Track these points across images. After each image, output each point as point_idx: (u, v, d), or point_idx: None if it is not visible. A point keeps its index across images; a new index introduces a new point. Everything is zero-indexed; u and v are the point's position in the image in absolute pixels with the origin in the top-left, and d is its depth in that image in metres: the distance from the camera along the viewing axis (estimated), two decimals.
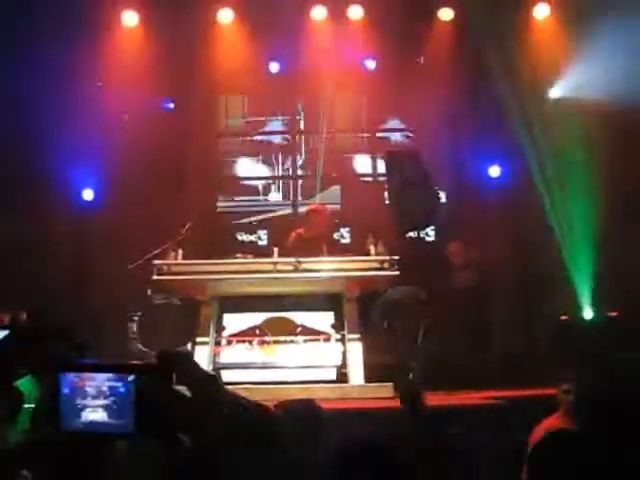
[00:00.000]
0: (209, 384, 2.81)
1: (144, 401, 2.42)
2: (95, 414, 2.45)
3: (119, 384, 2.41)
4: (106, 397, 2.45)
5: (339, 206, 10.04)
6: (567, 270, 8.71)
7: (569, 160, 8.83)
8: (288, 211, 9.95)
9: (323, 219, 7.90)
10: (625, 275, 8.32)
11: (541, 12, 9.57)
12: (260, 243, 9.82)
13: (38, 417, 3.04)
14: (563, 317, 8.38)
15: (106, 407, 2.43)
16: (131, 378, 2.38)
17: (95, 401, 2.47)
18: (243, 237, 9.82)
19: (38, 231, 9.13)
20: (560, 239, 8.85)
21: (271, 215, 9.40)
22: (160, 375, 2.58)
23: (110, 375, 2.42)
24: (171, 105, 10.16)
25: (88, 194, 9.68)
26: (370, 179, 10.35)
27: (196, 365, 3.09)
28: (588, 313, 8.52)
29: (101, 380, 2.44)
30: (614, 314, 8.17)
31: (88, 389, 2.45)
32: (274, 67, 10.12)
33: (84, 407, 2.46)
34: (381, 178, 9.90)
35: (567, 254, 8.76)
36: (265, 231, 9.89)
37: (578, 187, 8.71)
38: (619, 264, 8.38)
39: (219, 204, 10.14)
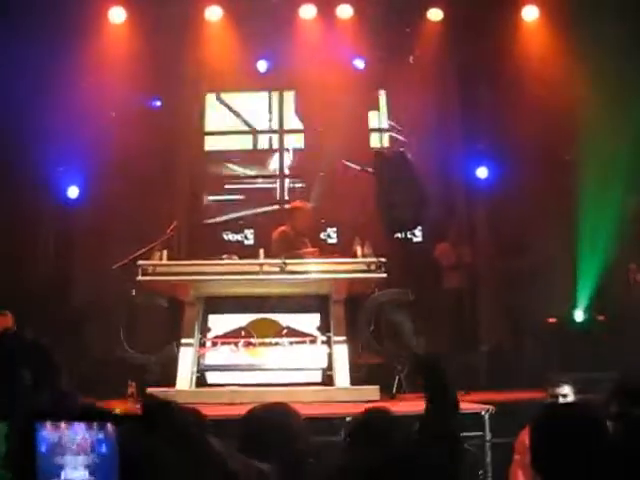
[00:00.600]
0: (197, 442, 2.68)
1: (128, 457, 2.29)
2: (76, 472, 2.25)
3: (101, 436, 2.21)
4: (87, 453, 2.26)
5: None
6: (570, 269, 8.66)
7: None
8: (275, 207, 9.88)
9: (306, 216, 7.90)
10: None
11: (530, 14, 9.54)
12: (247, 242, 9.76)
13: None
14: (551, 320, 8.36)
15: (88, 465, 2.25)
16: (114, 429, 2.20)
17: (75, 458, 2.27)
18: (229, 236, 9.76)
19: (22, 229, 9.06)
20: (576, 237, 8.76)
21: (259, 211, 9.29)
22: (145, 425, 2.47)
23: (91, 426, 2.24)
24: (158, 103, 10.10)
25: (73, 192, 9.60)
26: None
27: (185, 418, 2.94)
28: (579, 315, 8.50)
29: (81, 432, 2.23)
30: (601, 318, 8.19)
31: (67, 444, 2.25)
32: (262, 66, 10.06)
33: (63, 465, 2.27)
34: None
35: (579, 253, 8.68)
36: (252, 230, 9.84)
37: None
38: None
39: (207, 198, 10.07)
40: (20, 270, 8.80)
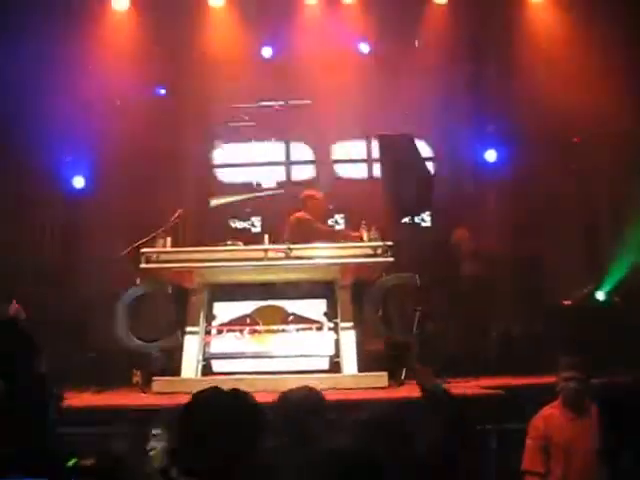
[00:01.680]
0: None
1: None
2: None
3: None
4: None
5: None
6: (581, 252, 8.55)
7: None
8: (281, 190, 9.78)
9: (319, 204, 7.88)
10: None
11: None
12: (254, 230, 9.67)
13: None
14: (566, 302, 8.23)
15: None
16: None
17: None
18: (236, 224, 9.67)
19: (28, 219, 9.03)
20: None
21: (263, 194, 9.17)
22: None
23: None
24: (162, 91, 10.02)
25: (79, 181, 9.55)
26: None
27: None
28: (600, 295, 8.37)
29: None
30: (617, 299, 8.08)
31: None
32: (267, 52, 9.97)
33: None
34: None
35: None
36: (259, 218, 9.75)
37: None
38: None
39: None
40: (26, 259, 8.75)
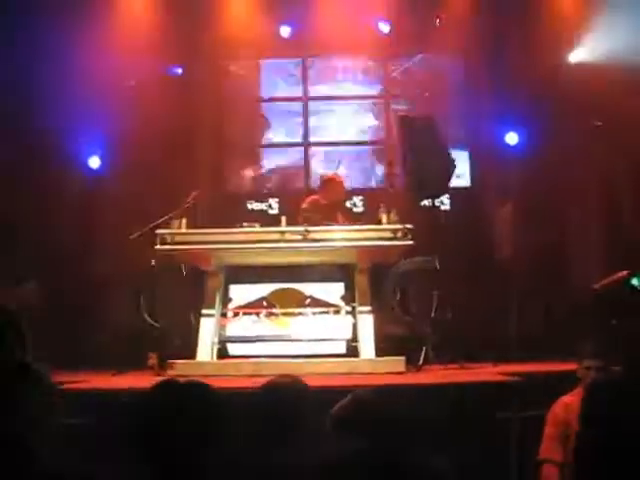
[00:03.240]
0: None
1: None
2: None
3: None
4: None
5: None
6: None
7: None
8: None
9: (339, 188, 7.85)
10: None
11: None
12: (271, 212, 9.58)
13: None
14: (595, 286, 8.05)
15: None
16: None
17: None
18: (253, 205, 9.57)
19: (44, 200, 8.97)
20: None
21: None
22: None
23: None
24: (179, 70, 9.91)
25: (94, 162, 9.49)
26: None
27: None
28: (635, 281, 8.18)
29: None
30: None
31: None
32: (285, 31, 9.83)
33: None
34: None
35: None
36: (276, 199, 9.66)
37: None
38: None
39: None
40: (41, 241, 8.71)
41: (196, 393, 2.41)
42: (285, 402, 3.16)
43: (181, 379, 2.50)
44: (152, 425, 2.31)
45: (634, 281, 7.68)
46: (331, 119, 10.10)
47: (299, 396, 3.20)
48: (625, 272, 7.60)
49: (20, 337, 2.94)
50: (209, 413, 2.38)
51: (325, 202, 7.62)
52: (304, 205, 7.60)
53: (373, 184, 9.92)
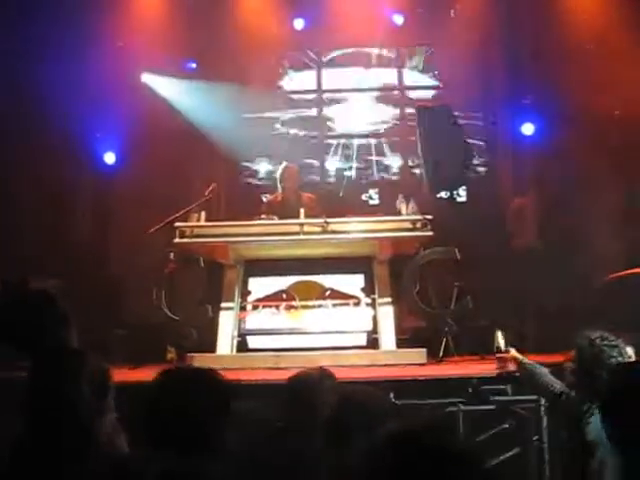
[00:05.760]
0: None
1: None
2: None
3: None
4: None
5: None
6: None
7: None
8: None
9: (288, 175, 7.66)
10: None
11: None
12: None
13: None
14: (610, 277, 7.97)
15: None
16: None
17: None
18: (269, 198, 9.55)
19: (61, 197, 8.98)
20: None
21: None
22: None
23: None
24: (193, 65, 9.90)
25: (110, 157, 9.49)
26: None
27: None
28: None
29: None
30: None
31: None
32: (299, 24, 9.79)
33: None
34: None
35: None
36: None
37: None
38: None
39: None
40: (59, 237, 8.72)
41: (202, 380, 2.39)
42: (311, 392, 3.13)
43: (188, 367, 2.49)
44: (158, 410, 2.29)
45: None
46: (347, 110, 10.05)
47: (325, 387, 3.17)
48: None
49: (63, 320, 2.93)
50: (216, 400, 2.36)
51: (280, 199, 7.51)
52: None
53: (389, 176, 9.86)
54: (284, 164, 7.81)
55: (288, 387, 3.31)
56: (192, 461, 2.17)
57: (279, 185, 7.56)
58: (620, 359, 3.70)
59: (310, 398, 3.13)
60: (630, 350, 3.86)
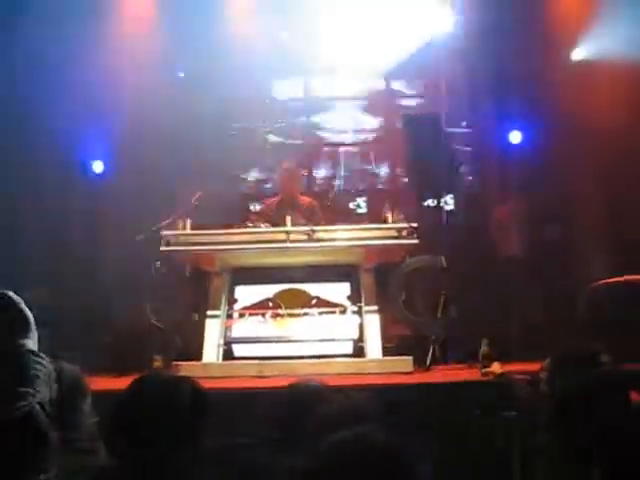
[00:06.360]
0: None
1: None
2: None
3: None
4: None
5: None
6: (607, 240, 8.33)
7: None
8: None
9: (289, 178, 7.68)
10: None
11: None
12: None
13: None
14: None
15: None
16: None
17: None
18: (257, 207, 9.53)
19: (49, 204, 8.94)
20: None
21: None
22: None
23: None
24: (181, 74, 9.90)
25: (98, 166, 9.46)
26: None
27: None
28: None
29: None
30: None
31: None
32: (285, 34, 9.79)
33: None
34: None
35: None
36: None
37: None
38: None
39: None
40: (47, 245, 8.69)
41: (176, 387, 2.39)
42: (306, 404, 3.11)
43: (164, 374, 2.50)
44: (134, 416, 2.29)
45: None
46: (334, 118, 10.06)
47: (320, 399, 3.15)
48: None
49: (21, 322, 2.93)
50: (192, 406, 2.35)
51: (279, 202, 7.49)
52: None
53: (376, 184, 9.87)
54: (285, 164, 7.82)
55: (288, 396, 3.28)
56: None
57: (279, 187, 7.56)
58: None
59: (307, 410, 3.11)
60: (605, 357, 3.86)
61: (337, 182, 9.87)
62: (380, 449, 1.62)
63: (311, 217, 7.03)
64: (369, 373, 6.08)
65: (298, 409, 3.04)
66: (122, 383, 5.94)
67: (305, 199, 7.55)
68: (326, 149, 10.05)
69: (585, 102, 8.41)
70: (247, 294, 6.75)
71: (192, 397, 2.35)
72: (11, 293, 3.23)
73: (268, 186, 9.89)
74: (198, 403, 2.35)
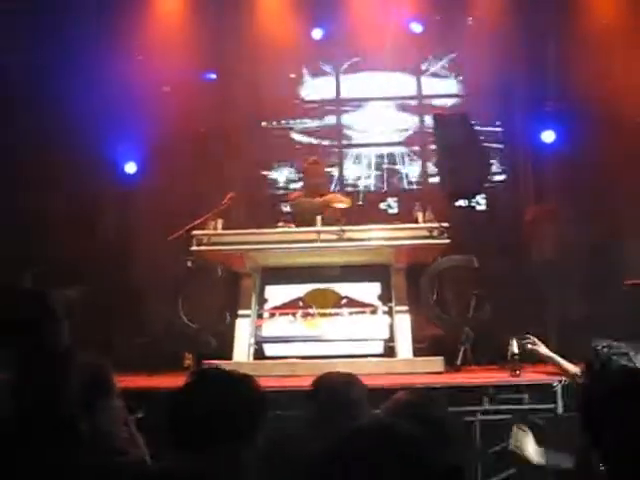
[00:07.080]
0: None
1: None
2: None
3: None
4: None
5: None
6: None
7: None
8: None
9: (314, 171, 7.62)
10: None
11: None
12: None
13: None
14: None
15: None
16: None
17: None
18: (288, 208, 9.54)
19: (82, 205, 9.04)
20: None
21: None
22: None
23: None
24: (212, 76, 9.95)
25: (131, 167, 9.55)
26: None
27: None
28: None
29: None
30: None
31: None
32: (317, 33, 9.81)
33: None
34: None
35: None
36: None
37: None
38: None
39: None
40: (80, 248, 8.77)
41: (236, 383, 2.38)
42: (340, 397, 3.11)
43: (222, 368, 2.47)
44: (197, 409, 2.27)
45: None
46: (365, 119, 10.05)
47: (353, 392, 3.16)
48: None
49: (56, 322, 2.94)
50: (255, 402, 2.35)
51: (306, 196, 7.45)
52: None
53: (407, 185, 9.85)
54: (311, 158, 7.81)
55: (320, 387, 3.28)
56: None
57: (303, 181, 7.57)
58: (631, 366, 3.67)
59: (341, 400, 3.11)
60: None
61: (368, 182, 9.86)
62: (403, 439, 1.61)
63: (333, 214, 6.98)
64: (399, 373, 6.05)
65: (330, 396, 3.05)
66: (154, 382, 6.05)
67: (333, 196, 7.52)
68: (356, 149, 10.02)
69: (618, 102, 8.33)
70: (277, 294, 6.76)
71: (255, 393, 2.35)
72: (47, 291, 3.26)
73: (298, 186, 9.88)
74: (259, 399, 2.35)
